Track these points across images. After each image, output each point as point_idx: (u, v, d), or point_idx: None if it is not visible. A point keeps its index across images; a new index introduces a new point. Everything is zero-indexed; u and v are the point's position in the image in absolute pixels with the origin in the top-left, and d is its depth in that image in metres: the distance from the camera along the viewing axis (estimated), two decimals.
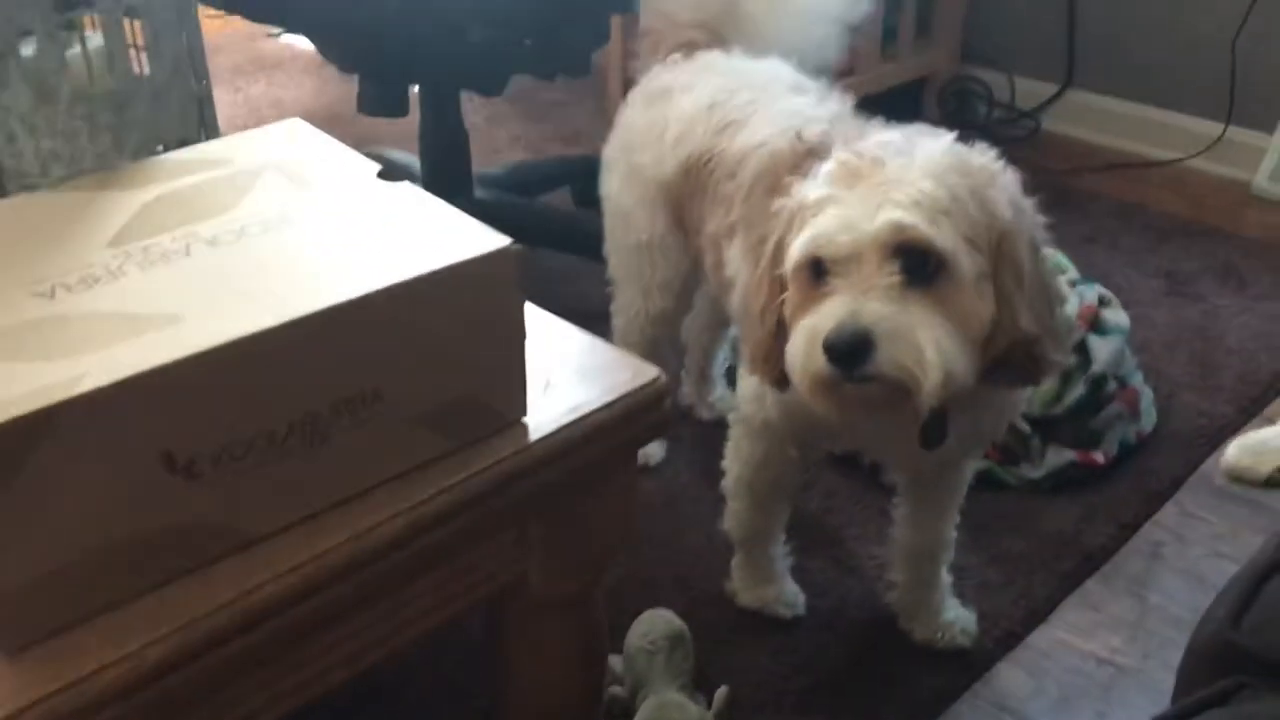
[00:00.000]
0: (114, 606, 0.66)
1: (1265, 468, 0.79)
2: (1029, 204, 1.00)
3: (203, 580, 0.68)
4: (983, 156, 0.99)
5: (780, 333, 1.01)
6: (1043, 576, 1.39)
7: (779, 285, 1.00)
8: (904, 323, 0.91)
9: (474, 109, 2.63)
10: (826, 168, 0.97)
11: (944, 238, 0.91)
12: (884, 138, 0.99)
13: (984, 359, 0.95)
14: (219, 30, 3.16)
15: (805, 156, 1.08)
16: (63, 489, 0.62)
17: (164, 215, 0.78)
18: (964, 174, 0.95)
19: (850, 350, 0.90)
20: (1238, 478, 0.81)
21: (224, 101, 2.78)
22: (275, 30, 3.05)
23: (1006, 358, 0.97)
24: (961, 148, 0.98)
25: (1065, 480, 1.53)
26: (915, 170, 0.93)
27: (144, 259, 0.73)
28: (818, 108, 1.19)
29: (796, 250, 0.95)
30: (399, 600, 0.76)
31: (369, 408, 0.72)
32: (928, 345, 0.90)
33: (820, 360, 0.92)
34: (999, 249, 0.95)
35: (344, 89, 2.78)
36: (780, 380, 1.03)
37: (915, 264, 0.91)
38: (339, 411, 0.70)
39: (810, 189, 0.97)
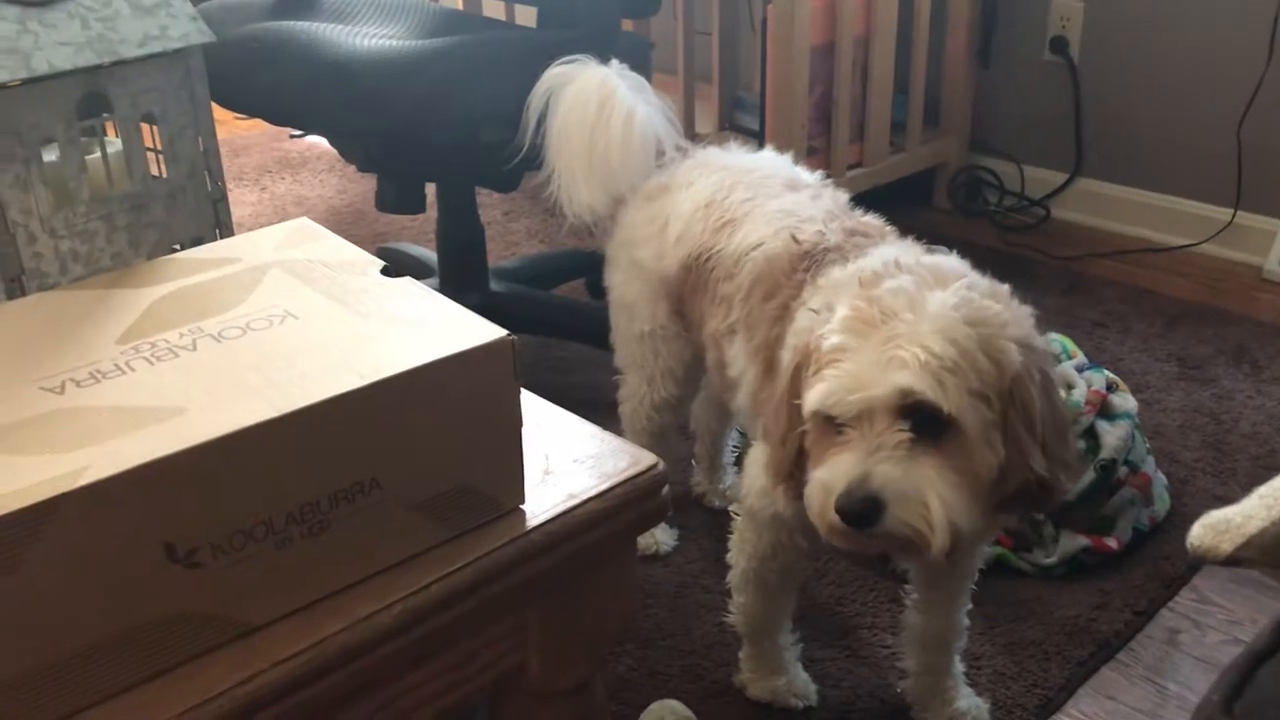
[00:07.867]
0: (112, 695, 0.67)
1: (1226, 546, 0.79)
2: (1041, 340, 1.02)
3: (200, 669, 0.68)
4: (994, 302, 1.00)
5: (801, 459, 1.04)
6: (1057, 665, 1.37)
7: (798, 414, 1.02)
8: (912, 485, 0.93)
9: (492, 204, 2.69)
10: (841, 313, 0.99)
11: (950, 399, 0.93)
12: (897, 284, 0.99)
13: (994, 499, 0.98)
14: (246, 130, 3.25)
15: (801, 259, 1.11)
16: (65, 579, 0.63)
17: (172, 312, 0.80)
18: (974, 324, 0.96)
19: (861, 514, 0.94)
20: (1201, 557, 0.81)
21: (249, 199, 2.85)
22: (297, 131, 3.13)
23: (1019, 493, 0.99)
24: (973, 294, 0.99)
25: (1079, 566, 1.52)
26: (925, 325, 0.95)
27: (151, 354, 0.75)
28: (812, 205, 1.21)
29: (810, 404, 0.98)
30: (396, 690, 0.77)
31: (367, 497, 0.73)
32: (935, 505, 0.93)
33: (833, 515, 0.96)
34: (1009, 395, 0.96)
35: (366, 186, 2.85)
36: (801, 497, 1.05)
37: (924, 421, 0.94)
38: (337, 501, 0.72)
39: (826, 332, 0.99)
